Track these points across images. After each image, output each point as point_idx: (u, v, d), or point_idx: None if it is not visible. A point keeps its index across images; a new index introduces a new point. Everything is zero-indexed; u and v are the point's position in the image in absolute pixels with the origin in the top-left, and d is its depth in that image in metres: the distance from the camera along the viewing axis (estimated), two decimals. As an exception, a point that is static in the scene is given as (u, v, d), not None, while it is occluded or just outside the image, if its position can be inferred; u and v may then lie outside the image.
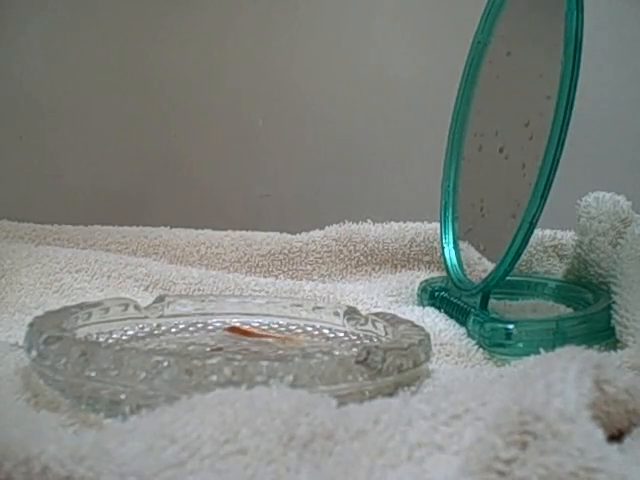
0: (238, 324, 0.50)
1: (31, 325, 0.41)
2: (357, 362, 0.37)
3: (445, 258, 0.59)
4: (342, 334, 0.49)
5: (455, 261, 0.58)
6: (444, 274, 0.59)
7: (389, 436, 0.27)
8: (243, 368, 0.35)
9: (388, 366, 0.38)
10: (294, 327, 0.50)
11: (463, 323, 0.52)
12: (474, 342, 0.50)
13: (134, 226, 0.73)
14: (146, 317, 0.49)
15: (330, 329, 0.50)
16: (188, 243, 0.70)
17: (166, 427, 0.28)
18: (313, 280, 0.68)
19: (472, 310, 0.52)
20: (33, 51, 0.88)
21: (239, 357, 0.35)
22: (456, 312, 0.54)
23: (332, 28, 0.86)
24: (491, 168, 0.57)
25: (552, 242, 0.67)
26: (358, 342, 0.48)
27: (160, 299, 0.50)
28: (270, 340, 0.48)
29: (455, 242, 0.59)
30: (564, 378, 0.27)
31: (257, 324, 0.51)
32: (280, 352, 0.45)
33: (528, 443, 0.25)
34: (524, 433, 0.25)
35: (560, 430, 0.24)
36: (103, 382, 0.35)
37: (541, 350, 0.41)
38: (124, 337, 0.47)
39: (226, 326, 0.50)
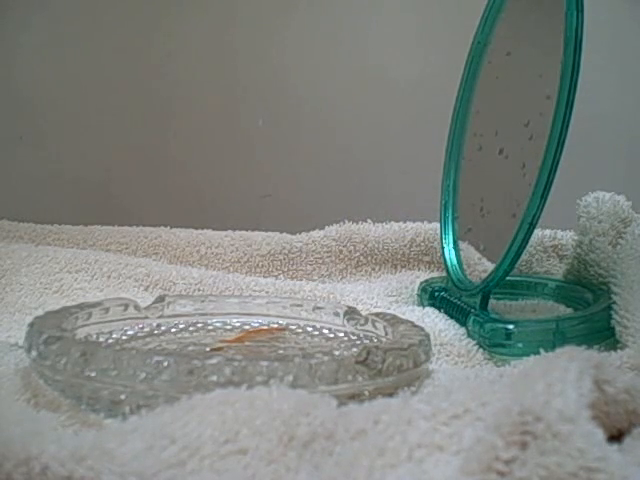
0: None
1: (31, 325, 0.41)
2: (357, 362, 0.37)
3: (445, 258, 0.59)
4: (342, 334, 0.49)
5: (455, 261, 0.58)
6: (444, 274, 0.59)
7: (389, 436, 0.27)
8: (243, 368, 0.35)
9: (388, 366, 0.38)
10: (294, 327, 0.50)
11: (463, 323, 0.52)
12: (474, 342, 0.50)
13: (134, 226, 0.73)
14: (146, 317, 0.49)
15: (330, 329, 0.50)
16: (188, 243, 0.70)
17: (166, 427, 0.28)
18: (313, 280, 0.68)
19: (472, 310, 0.52)
20: (33, 51, 0.88)
21: (239, 357, 0.35)
22: (456, 312, 0.54)
23: (332, 28, 0.86)
24: (491, 168, 0.57)
25: (552, 242, 0.67)
26: (358, 342, 0.48)
27: (160, 299, 0.50)
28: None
29: (455, 242, 0.59)
30: (564, 378, 0.27)
31: (257, 324, 0.51)
32: (280, 352, 0.45)
33: (528, 443, 0.25)
34: (524, 433, 0.25)
35: (560, 430, 0.24)
36: (103, 382, 0.35)
37: (541, 350, 0.41)
38: (124, 337, 0.47)
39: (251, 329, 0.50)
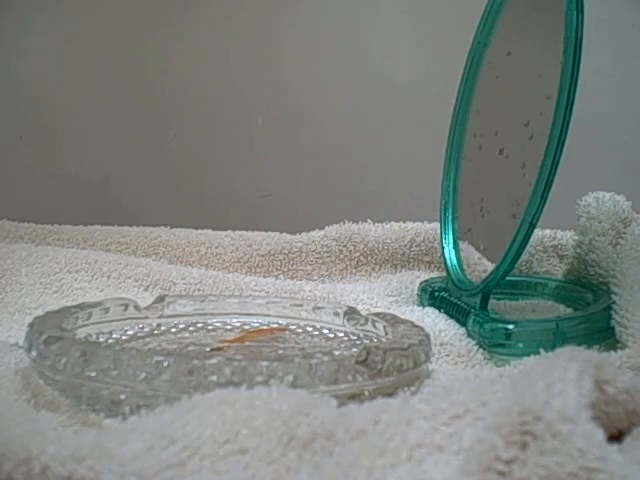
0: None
1: (31, 325, 0.41)
2: (357, 362, 0.37)
3: (445, 258, 0.59)
4: (342, 334, 0.49)
5: (455, 261, 0.58)
6: (444, 274, 0.59)
7: (389, 436, 0.27)
8: (243, 368, 0.35)
9: (388, 366, 0.38)
10: (294, 327, 0.50)
11: (463, 323, 0.52)
12: (474, 342, 0.50)
13: (134, 226, 0.73)
14: (146, 317, 0.49)
15: (330, 329, 0.50)
16: (188, 243, 0.70)
17: (166, 427, 0.28)
18: (313, 280, 0.68)
19: (472, 310, 0.52)
20: (33, 51, 0.88)
21: (239, 357, 0.35)
22: (456, 312, 0.54)
23: (332, 28, 0.86)
24: (491, 168, 0.57)
25: (552, 242, 0.67)
26: (358, 342, 0.47)
27: (160, 299, 0.50)
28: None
29: (455, 242, 0.59)
30: (564, 378, 0.27)
31: (258, 325, 0.51)
32: (280, 352, 0.45)
33: (528, 443, 0.25)
34: (524, 433, 0.25)
35: (560, 430, 0.24)
36: (103, 382, 0.35)
37: (541, 350, 0.41)
38: (124, 337, 0.47)
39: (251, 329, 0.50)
